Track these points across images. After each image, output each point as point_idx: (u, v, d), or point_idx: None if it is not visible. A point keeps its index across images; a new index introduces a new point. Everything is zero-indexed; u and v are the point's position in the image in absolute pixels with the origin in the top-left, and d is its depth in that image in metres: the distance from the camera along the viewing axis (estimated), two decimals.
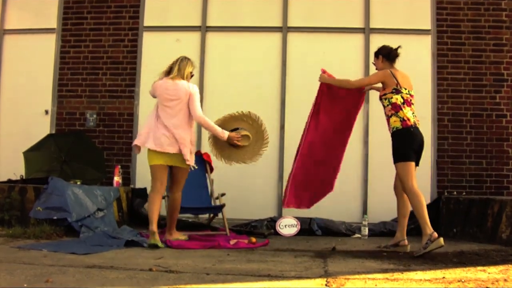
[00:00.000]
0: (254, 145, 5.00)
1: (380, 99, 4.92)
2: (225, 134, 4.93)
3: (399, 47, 4.93)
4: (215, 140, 5.11)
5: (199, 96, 5.00)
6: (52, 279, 2.94)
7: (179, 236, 5.07)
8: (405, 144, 4.68)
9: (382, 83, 4.89)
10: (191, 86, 4.94)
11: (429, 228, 4.45)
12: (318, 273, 3.42)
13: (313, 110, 5.18)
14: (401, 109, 4.73)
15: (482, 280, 3.22)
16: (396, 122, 4.71)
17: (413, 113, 4.79)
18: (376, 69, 5.07)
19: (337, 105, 5.22)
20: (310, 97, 6.90)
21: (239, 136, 4.96)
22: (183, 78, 4.96)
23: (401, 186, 4.75)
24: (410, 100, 4.82)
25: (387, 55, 4.95)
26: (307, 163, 5.15)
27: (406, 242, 4.81)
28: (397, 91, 4.78)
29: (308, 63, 6.97)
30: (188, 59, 5.09)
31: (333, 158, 5.28)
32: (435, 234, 4.40)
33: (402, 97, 4.77)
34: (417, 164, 4.87)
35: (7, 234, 4.83)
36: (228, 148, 5.02)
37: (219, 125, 4.99)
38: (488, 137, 6.73)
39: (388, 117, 4.79)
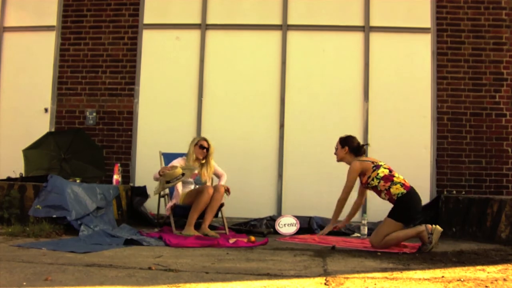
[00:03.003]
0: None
1: (366, 186, 4.82)
2: (157, 172, 5.41)
3: (367, 144, 4.92)
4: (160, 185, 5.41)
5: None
6: (51, 278, 2.94)
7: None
8: (413, 207, 4.64)
9: (360, 174, 4.81)
10: None
11: (419, 229, 4.54)
12: (317, 272, 3.41)
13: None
14: (394, 176, 4.69)
15: (481, 279, 3.22)
16: (398, 189, 4.62)
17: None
18: (338, 158, 5.01)
19: None
20: (309, 96, 6.96)
21: (168, 167, 5.36)
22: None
23: (373, 235, 4.67)
24: (391, 168, 4.80)
25: (356, 149, 4.89)
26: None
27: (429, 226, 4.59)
28: (377, 166, 4.76)
29: (308, 61, 6.98)
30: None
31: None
32: (429, 225, 4.52)
33: (385, 168, 4.76)
34: (414, 224, 4.94)
35: (7, 232, 4.81)
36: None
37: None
38: (488, 136, 6.73)
39: (387, 191, 4.66)
